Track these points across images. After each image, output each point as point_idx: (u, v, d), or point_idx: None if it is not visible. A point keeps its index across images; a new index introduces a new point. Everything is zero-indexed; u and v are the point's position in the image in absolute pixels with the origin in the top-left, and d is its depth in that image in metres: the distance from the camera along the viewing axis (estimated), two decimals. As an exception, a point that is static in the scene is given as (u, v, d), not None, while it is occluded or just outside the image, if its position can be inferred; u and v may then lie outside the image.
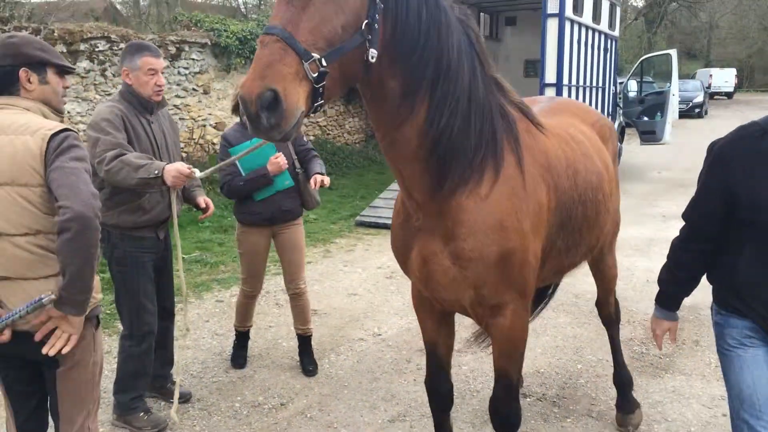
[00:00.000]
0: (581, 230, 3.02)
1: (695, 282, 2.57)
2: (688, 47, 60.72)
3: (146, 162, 3.37)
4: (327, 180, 4.24)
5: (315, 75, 1.93)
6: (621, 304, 5.82)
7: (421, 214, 2.57)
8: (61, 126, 2.32)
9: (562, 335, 5.28)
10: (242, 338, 4.71)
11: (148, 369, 3.80)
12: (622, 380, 3.92)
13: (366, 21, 2.06)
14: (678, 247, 2.54)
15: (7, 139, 2.25)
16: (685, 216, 2.53)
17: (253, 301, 4.61)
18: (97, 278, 2.44)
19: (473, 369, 4.56)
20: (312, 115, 2.05)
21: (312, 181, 4.21)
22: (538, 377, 4.52)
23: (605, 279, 3.97)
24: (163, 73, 3.75)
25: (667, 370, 4.64)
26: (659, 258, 6.49)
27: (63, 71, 2.52)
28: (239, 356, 4.68)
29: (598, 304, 4.13)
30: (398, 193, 2.72)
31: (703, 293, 6.07)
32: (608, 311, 4.08)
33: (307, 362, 4.60)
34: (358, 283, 6.72)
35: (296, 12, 1.95)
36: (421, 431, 3.79)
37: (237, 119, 4.36)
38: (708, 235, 2.43)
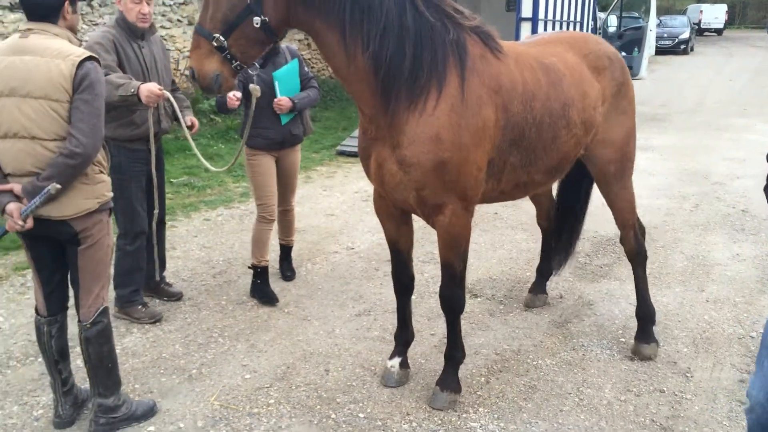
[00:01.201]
0: (535, 150, 3.38)
1: None
2: (682, -18, 59.91)
3: (125, 81, 3.80)
4: (284, 104, 4.47)
5: (218, 47, 2.78)
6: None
7: (373, 127, 3.09)
8: (87, 53, 2.80)
9: (517, 249, 5.86)
10: (264, 274, 4.73)
11: (142, 264, 4.33)
12: (645, 313, 4.08)
13: None
14: None
15: (43, 60, 2.72)
16: None
17: (269, 227, 4.69)
18: (108, 178, 2.98)
19: (433, 276, 5.12)
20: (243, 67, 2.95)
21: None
22: (490, 282, 5.11)
23: (615, 209, 4.04)
24: (150, 2, 4.13)
25: (605, 276, 5.25)
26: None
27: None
28: (268, 293, 4.70)
29: (621, 240, 4.17)
30: None
31: (650, 216, 6.58)
32: (629, 246, 4.10)
33: (286, 269, 5.16)
34: (336, 205, 7.24)
35: (205, 9, 2.81)
36: (383, 323, 4.39)
37: None
38: None
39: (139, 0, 4.04)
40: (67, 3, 2.88)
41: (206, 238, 6.06)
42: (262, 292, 4.73)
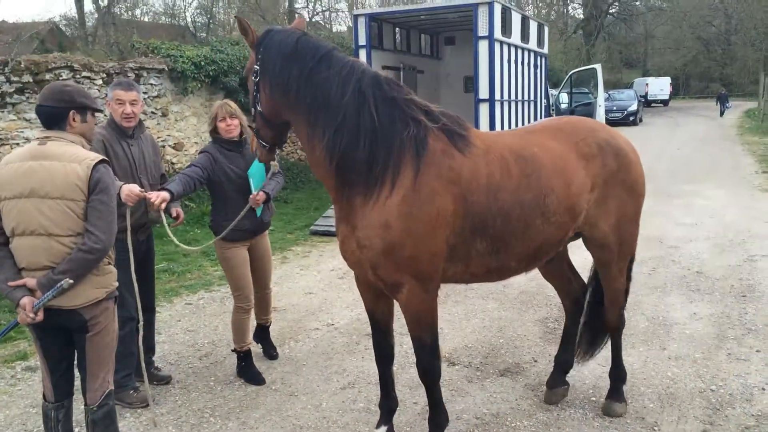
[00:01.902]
0: (504, 238, 3.53)
1: None
2: (627, 57, 63.44)
3: None
4: (261, 199, 4.68)
5: (252, 128, 3.59)
6: (541, 291, 6.75)
7: (337, 207, 3.47)
8: (100, 157, 3.10)
9: (489, 317, 6.16)
10: (248, 357, 4.93)
11: (132, 349, 4.49)
12: (617, 375, 4.36)
13: (253, 93, 3.46)
14: None
15: (60, 164, 3.01)
16: None
17: (248, 315, 4.87)
18: (114, 269, 3.22)
19: (411, 347, 5.35)
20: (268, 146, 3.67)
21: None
22: (466, 350, 5.37)
23: (608, 292, 4.22)
24: (134, 103, 4.42)
25: (573, 340, 5.55)
26: (572, 251, 7.38)
27: (96, 112, 3.29)
28: (254, 374, 4.88)
29: (605, 312, 4.34)
30: None
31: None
32: (612, 323, 4.32)
33: (268, 347, 5.33)
34: (314, 283, 7.49)
35: None
36: (367, 395, 4.60)
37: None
38: None
39: (121, 101, 4.36)
40: (72, 112, 3.18)
41: (189, 321, 6.23)
42: (248, 373, 4.90)
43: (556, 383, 4.50)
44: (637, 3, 57.36)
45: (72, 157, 3.06)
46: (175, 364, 5.23)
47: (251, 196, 4.70)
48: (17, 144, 8.92)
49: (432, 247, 3.33)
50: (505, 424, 4.17)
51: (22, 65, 8.94)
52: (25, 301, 2.97)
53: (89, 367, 3.17)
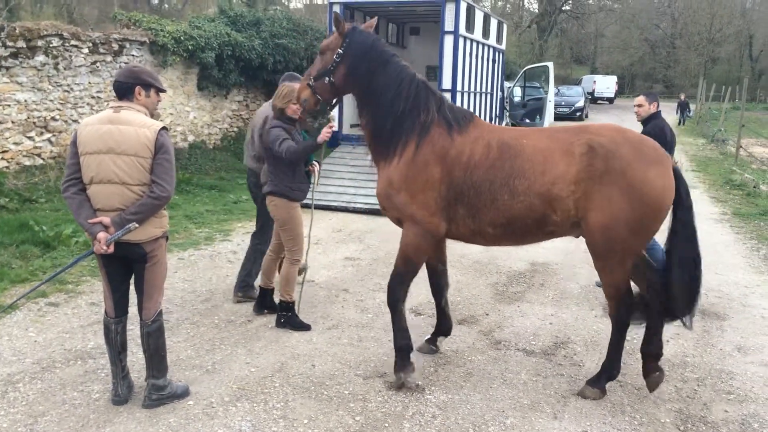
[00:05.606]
0: (476, 206, 4.37)
1: None
2: (577, 54, 65.62)
3: None
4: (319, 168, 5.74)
5: (310, 86, 4.68)
6: (492, 261, 7.79)
7: (375, 166, 4.66)
8: (162, 124, 3.89)
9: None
10: (292, 307, 5.60)
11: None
12: (608, 366, 4.64)
13: (329, 66, 4.54)
14: None
15: (132, 129, 3.79)
16: None
17: (298, 267, 5.67)
18: (167, 214, 4.03)
19: (383, 300, 6.31)
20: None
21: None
22: (430, 304, 6.30)
23: (602, 281, 4.49)
24: None
25: (519, 300, 6.62)
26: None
27: (159, 91, 4.06)
28: (300, 322, 5.59)
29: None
30: None
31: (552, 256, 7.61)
32: (611, 313, 4.57)
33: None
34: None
35: (312, 65, 4.76)
36: (350, 334, 5.53)
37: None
38: None
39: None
40: (138, 87, 3.97)
41: (185, 273, 7.02)
42: (295, 322, 5.60)
43: (650, 371, 4.65)
44: (590, 1, 59.44)
45: (141, 123, 3.86)
46: (180, 305, 6.04)
47: (314, 165, 5.62)
48: (8, 105, 9.42)
49: (422, 201, 4.43)
50: (463, 357, 5.18)
51: (17, 31, 9.41)
52: (101, 235, 3.76)
53: (146, 290, 3.99)
